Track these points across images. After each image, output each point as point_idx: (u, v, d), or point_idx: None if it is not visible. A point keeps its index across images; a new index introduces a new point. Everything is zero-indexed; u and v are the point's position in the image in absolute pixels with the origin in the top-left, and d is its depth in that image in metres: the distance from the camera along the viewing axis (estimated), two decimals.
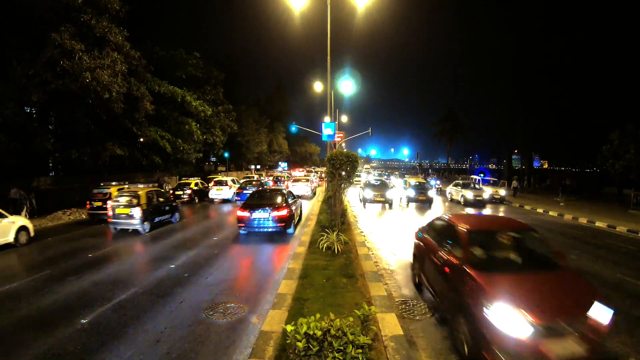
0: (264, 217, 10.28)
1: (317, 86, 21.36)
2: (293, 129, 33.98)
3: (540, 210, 17.99)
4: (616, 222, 13.77)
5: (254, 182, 21.73)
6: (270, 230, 10.43)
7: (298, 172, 43.30)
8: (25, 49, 13.68)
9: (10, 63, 13.48)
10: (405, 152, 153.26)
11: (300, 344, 3.10)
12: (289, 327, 3.34)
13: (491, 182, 25.06)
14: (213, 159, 45.29)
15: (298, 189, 22.17)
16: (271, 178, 30.64)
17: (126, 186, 14.27)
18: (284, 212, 10.40)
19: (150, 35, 24.69)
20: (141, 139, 21.35)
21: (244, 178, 29.24)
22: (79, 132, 16.58)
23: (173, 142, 22.80)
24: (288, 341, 3.35)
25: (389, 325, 4.54)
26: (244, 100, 45.49)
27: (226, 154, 42.83)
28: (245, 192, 18.44)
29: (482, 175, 25.89)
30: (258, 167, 55.24)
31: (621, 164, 20.04)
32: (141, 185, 14.39)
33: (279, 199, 11.10)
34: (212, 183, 21.86)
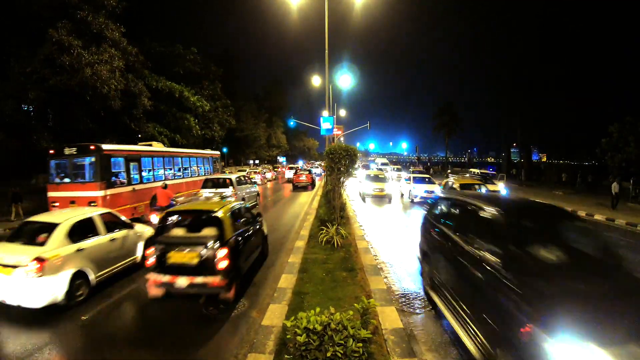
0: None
1: (316, 80, 21.25)
2: (291, 123, 33.87)
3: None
4: (615, 215, 13.81)
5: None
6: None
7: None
8: (23, 47, 13.63)
9: (8, 61, 13.45)
10: (403, 146, 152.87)
11: (300, 339, 3.11)
12: (289, 322, 3.35)
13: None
14: None
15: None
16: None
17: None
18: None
19: (149, 34, 24.59)
20: (140, 135, 21.30)
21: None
22: (77, 129, 16.53)
23: (172, 137, 22.75)
24: (288, 336, 3.35)
25: (389, 318, 4.56)
26: (242, 95, 45.37)
27: (225, 149, 42.81)
28: None
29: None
30: (257, 161, 55.21)
31: (620, 157, 20.05)
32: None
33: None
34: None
